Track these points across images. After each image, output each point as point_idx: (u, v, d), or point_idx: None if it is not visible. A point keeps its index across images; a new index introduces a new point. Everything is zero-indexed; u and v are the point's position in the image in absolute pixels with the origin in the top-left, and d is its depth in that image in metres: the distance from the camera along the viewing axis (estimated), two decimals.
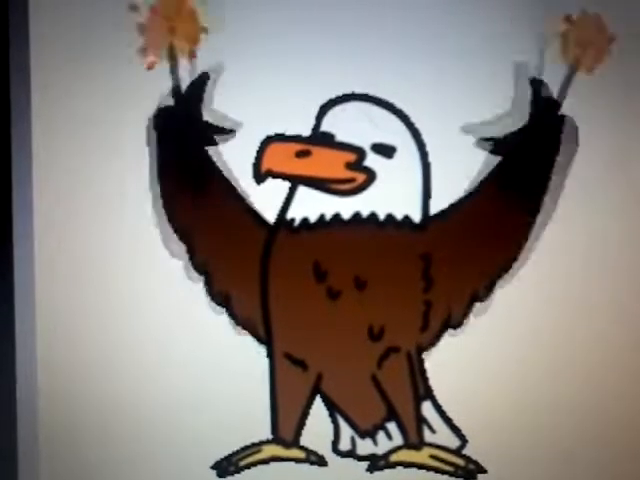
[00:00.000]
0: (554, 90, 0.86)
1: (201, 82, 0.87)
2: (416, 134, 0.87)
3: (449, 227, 0.87)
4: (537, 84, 0.86)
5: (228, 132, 0.87)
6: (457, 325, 0.88)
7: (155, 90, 0.87)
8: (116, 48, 0.87)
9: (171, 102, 0.87)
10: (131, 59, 0.87)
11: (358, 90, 0.87)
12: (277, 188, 0.88)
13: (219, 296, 0.88)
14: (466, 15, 0.86)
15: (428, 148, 0.87)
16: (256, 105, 0.87)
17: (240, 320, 0.89)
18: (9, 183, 0.88)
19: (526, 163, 0.87)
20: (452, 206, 0.87)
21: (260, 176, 0.87)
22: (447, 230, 0.87)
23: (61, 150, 0.88)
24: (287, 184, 0.88)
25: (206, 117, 0.87)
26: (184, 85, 0.87)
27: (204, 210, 0.88)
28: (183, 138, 0.88)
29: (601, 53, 0.86)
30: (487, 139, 0.86)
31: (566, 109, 0.87)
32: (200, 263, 0.88)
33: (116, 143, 0.88)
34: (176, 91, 0.87)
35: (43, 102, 0.88)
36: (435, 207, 0.88)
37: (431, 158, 0.87)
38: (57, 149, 0.88)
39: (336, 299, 0.87)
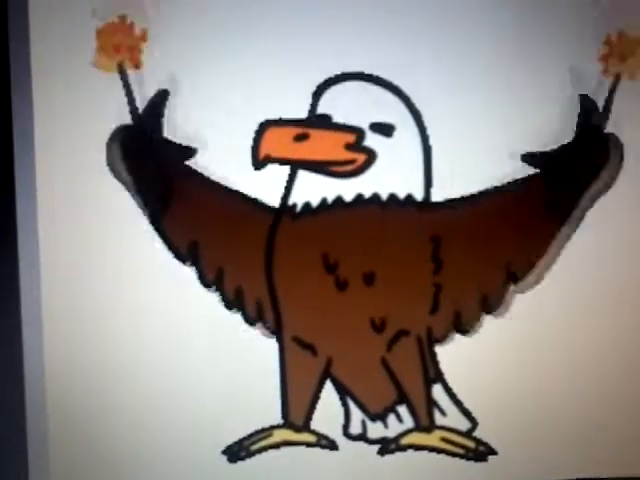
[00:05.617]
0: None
1: (159, 100, 0.85)
2: (415, 112, 0.85)
3: (465, 214, 0.86)
4: (584, 100, 0.84)
5: (192, 152, 0.85)
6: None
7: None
8: None
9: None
10: None
11: (353, 69, 0.85)
12: (275, 174, 0.86)
13: (232, 295, 0.88)
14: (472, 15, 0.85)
15: (433, 131, 0.85)
16: (249, 89, 0.85)
17: (251, 314, 0.88)
18: (12, 184, 0.88)
19: (564, 178, 0.85)
20: (472, 196, 0.86)
21: (259, 162, 0.86)
22: (461, 217, 0.86)
23: (64, 146, 0.86)
24: (286, 169, 0.86)
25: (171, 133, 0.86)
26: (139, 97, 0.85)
27: (199, 220, 0.87)
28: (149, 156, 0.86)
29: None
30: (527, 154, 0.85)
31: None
32: (211, 277, 0.88)
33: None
34: (133, 110, 0.85)
35: (45, 95, 0.86)
36: (439, 190, 0.86)
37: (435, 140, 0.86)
38: (59, 145, 0.86)
39: (345, 285, 0.87)
